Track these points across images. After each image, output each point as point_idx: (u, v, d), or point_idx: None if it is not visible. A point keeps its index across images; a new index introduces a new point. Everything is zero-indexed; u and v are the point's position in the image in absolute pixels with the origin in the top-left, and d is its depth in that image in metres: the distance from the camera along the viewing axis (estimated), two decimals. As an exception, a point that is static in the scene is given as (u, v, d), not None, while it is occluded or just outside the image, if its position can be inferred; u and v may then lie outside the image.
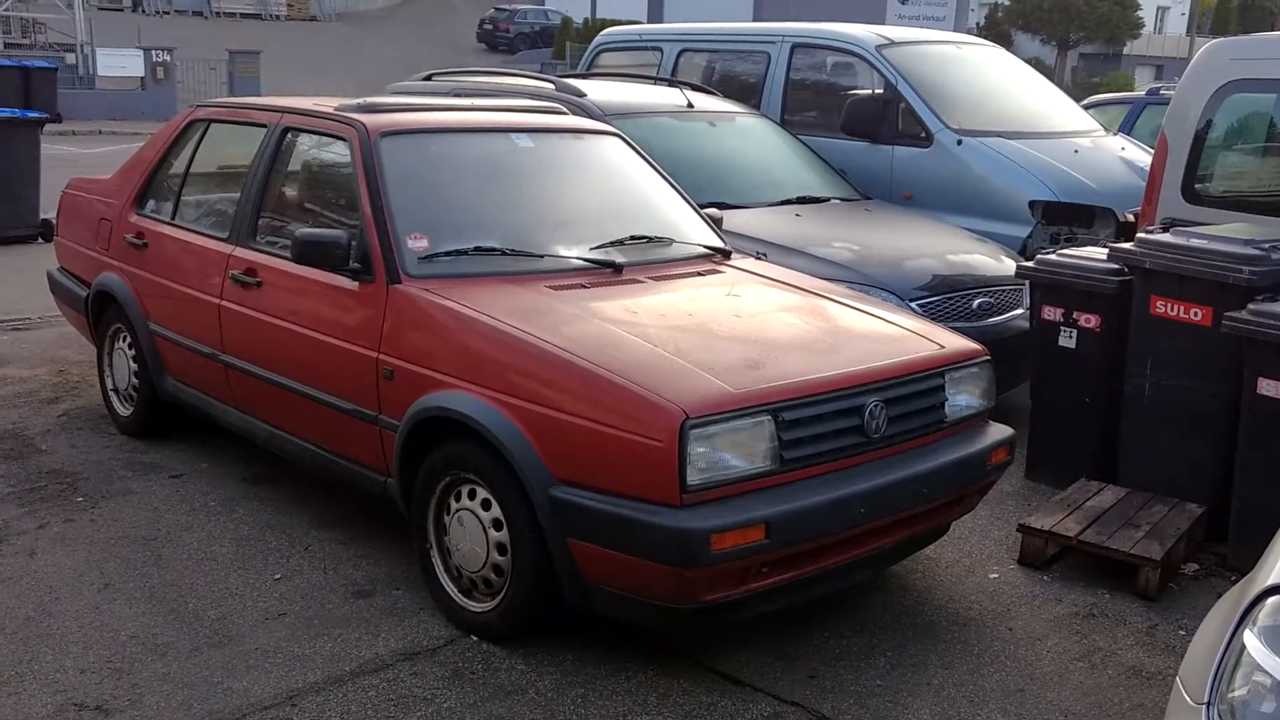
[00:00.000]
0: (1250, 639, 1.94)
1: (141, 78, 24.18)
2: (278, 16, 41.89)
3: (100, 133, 20.48)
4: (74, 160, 14.78)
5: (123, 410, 5.25)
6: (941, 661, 3.51)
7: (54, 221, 6.26)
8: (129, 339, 5.08)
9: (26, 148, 9.78)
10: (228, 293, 4.38)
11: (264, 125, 4.60)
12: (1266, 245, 4.32)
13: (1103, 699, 3.34)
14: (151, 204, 5.11)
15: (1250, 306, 4.11)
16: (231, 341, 4.38)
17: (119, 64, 24.07)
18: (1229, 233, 4.54)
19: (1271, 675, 1.87)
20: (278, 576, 3.90)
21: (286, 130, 4.49)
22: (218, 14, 40.24)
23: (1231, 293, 4.24)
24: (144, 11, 38.39)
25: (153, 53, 24.22)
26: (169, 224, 4.91)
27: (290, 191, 4.59)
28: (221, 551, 4.07)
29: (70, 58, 25.50)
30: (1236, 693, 1.92)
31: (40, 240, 9.70)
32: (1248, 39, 5.76)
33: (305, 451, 4.17)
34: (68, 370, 6.20)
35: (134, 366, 5.08)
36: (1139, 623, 3.82)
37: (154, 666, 3.32)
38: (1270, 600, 1.96)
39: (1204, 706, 1.95)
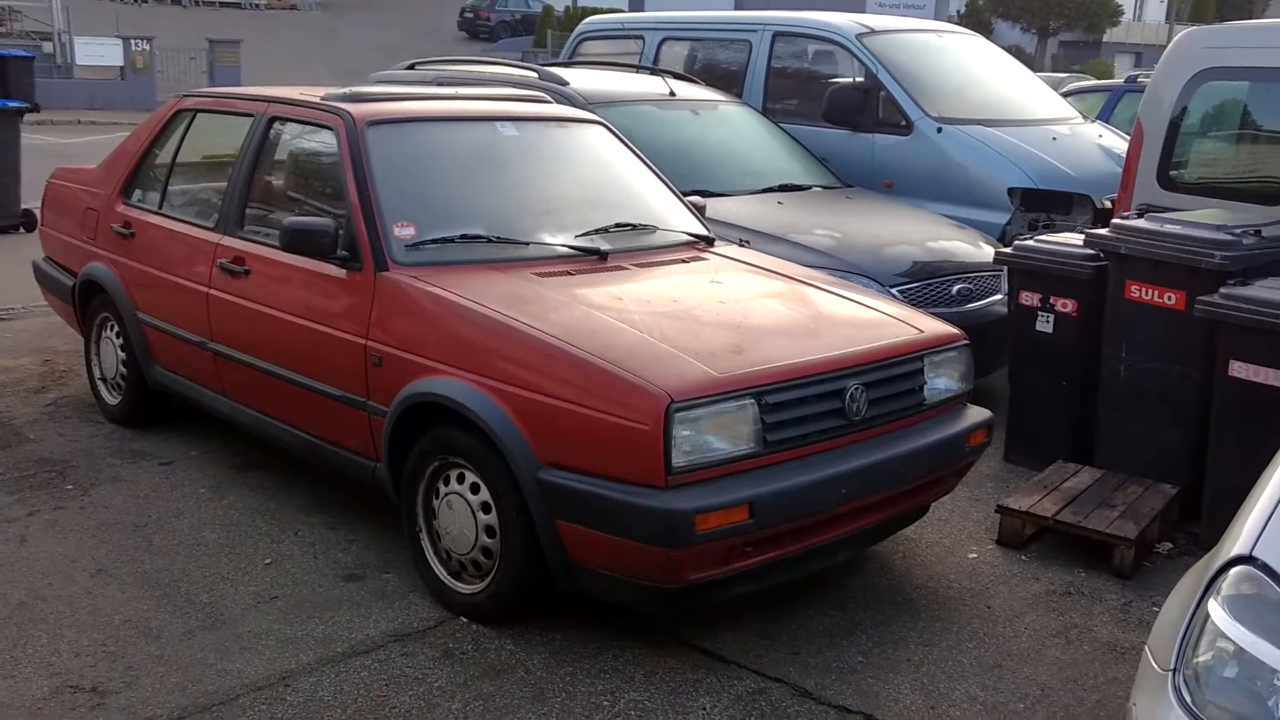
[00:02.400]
0: (1214, 608, 2.02)
1: (121, 67, 23.98)
2: (258, 5, 41.60)
3: (79, 122, 20.36)
4: (53, 150, 14.71)
5: (110, 399, 5.28)
6: (921, 639, 3.59)
7: (36, 212, 6.28)
8: (116, 328, 5.11)
9: (7, 138, 9.74)
10: (216, 281, 4.41)
11: (250, 115, 4.63)
12: (1238, 230, 4.41)
13: (1078, 673, 3.43)
14: (138, 194, 5.13)
15: (1222, 290, 4.19)
16: (220, 330, 4.42)
17: (97, 53, 23.84)
18: (1202, 218, 4.62)
19: (1234, 642, 1.95)
20: (268, 561, 3.95)
21: (273, 120, 4.53)
22: (197, 2, 39.93)
23: (1204, 277, 4.32)
24: (122, 0, 38.04)
25: (132, 42, 24.02)
26: (156, 213, 4.94)
27: (277, 181, 4.62)
28: (212, 537, 4.12)
29: (47, 46, 25.26)
30: (1201, 659, 1.99)
31: (22, 230, 9.67)
32: (1220, 28, 5.84)
33: (294, 438, 4.21)
34: (54, 360, 6.21)
35: (122, 355, 5.11)
36: (1114, 600, 3.91)
37: (148, 649, 3.37)
38: (1233, 570, 2.04)
39: (1171, 673, 2.02)
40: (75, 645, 3.38)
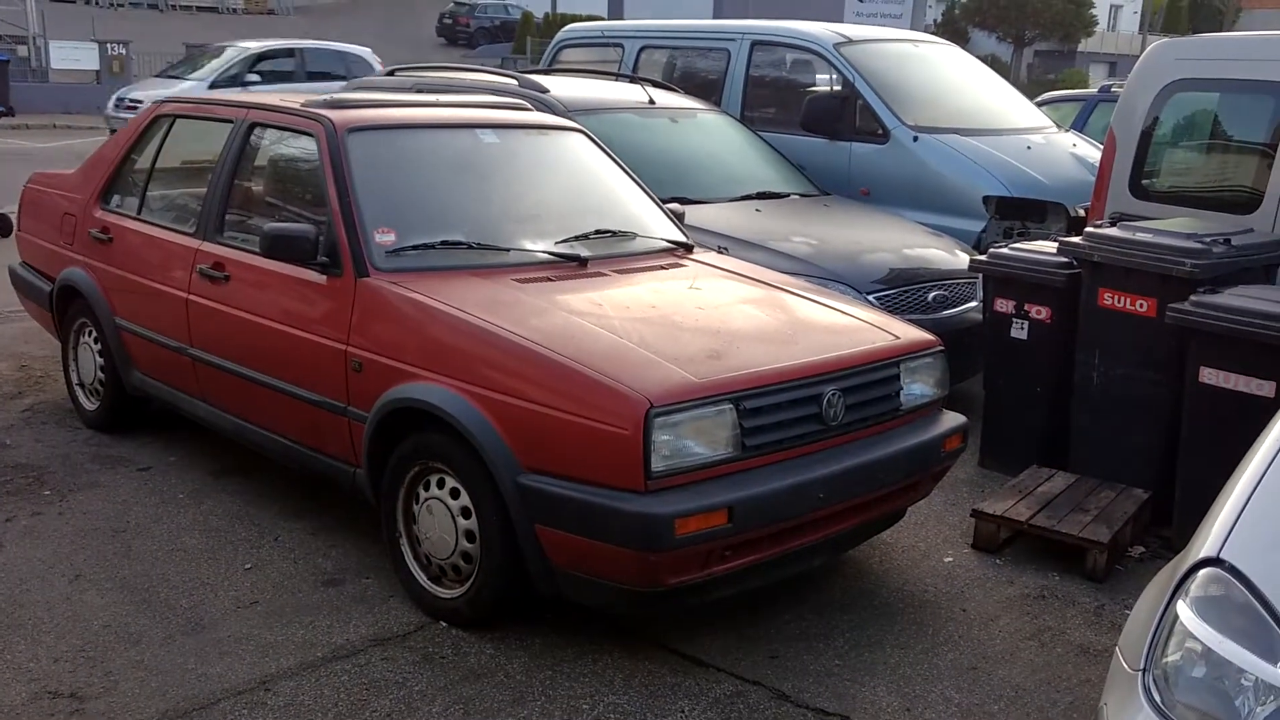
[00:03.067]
0: (1183, 609, 2.06)
1: (96, 71, 23.82)
2: (235, 10, 41.47)
3: (54, 126, 20.24)
4: (28, 154, 14.62)
5: (88, 404, 5.27)
6: (898, 642, 3.62)
7: (12, 217, 6.25)
8: (94, 333, 5.09)
9: (-18, 142, 9.66)
10: (195, 287, 4.41)
11: (230, 121, 4.63)
12: (1208, 239, 4.48)
13: (1052, 675, 3.48)
14: (117, 199, 5.12)
15: (1193, 298, 4.26)
16: (199, 335, 4.42)
17: (73, 57, 23.66)
18: (1173, 227, 4.69)
19: (1202, 642, 1.99)
20: (248, 566, 3.95)
21: (253, 126, 4.53)
22: (173, 7, 39.75)
23: (1175, 285, 4.38)
24: (97, 4, 37.84)
25: (108, 46, 23.87)
26: (135, 219, 4.93)
27: (257, 186, 4.62)
28: (191, 542, 4.12)
29: (22, 50, 25.08)
30: (1170, 659, 2.03)
31: (-2, 235, 9.60)
32: (1192, 40, 5.93)
33: (274, 444, 4.21)
34: (30, 365, 6.19)
35: (100, 361, 5.09)
36: (1087, 603, 3.96)
37: (127, 654, 3.36)
38: (1202, 572, 2.08)
39: (1140, 673, 2.06)
40: (54, 651, 3.37)
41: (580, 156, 4.79)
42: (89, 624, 3.53)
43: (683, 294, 4.03)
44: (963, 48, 8.84)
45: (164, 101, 5.30)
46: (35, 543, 4.08)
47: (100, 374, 5.12)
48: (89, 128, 18.63)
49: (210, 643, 3.44)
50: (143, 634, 3.48)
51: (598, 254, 4.18)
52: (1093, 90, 12.22)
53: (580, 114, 5.78)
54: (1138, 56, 6.06)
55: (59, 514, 4.32)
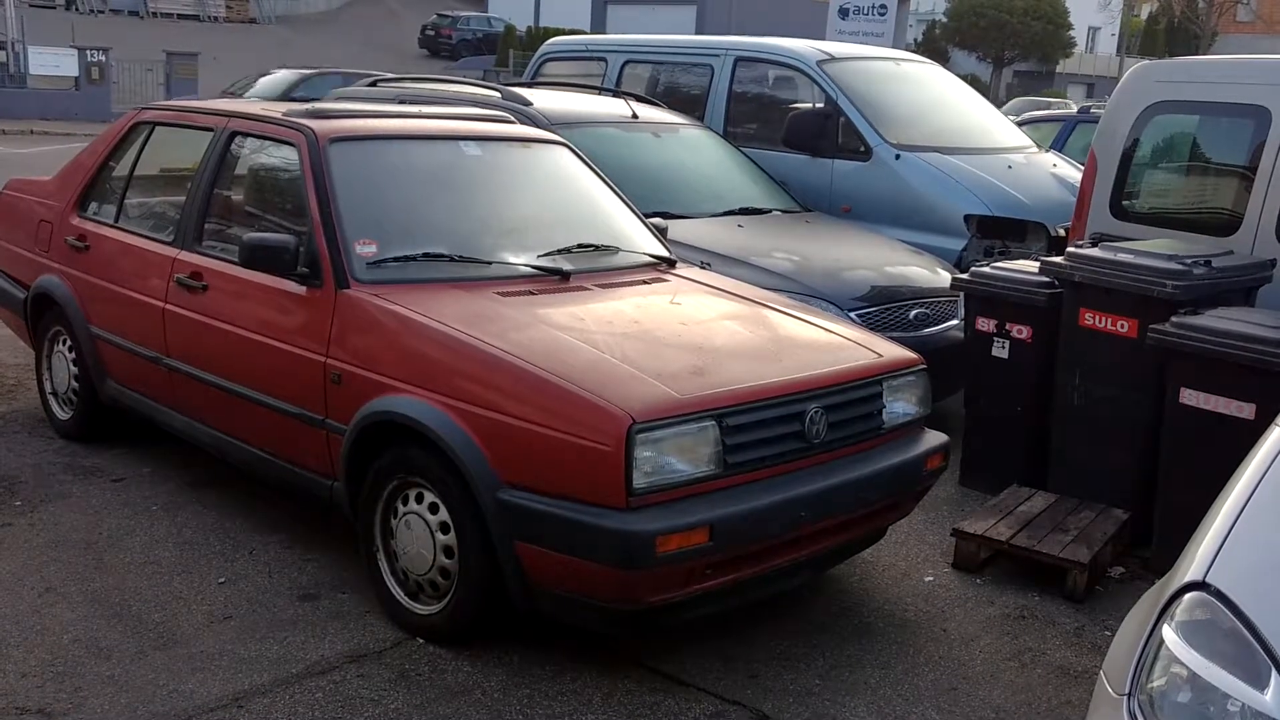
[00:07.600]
0: (1168, 633, 2.05)
1: (76, 77, 23.70)
2: (216, 18, 41.34)
3: (32, 133, 20.08)
4: (4, 160, 14.50)
5: (61, 414, 5.20)
6: (878, 661, 3.61)
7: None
8: (69, 342, 5.03)
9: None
10: (172, 296, 4.36)
11: (211, 129, 4.59)
12: (1189, 260, 4.50)
13: (1032, 697, 3.46)
14: (94, 206, 5.07)
15: (1173, 319, 4.27)
16: (176, 345, 4.36)
17: (52, 63, 23.55)
18: (1154, 248, 4.70)
19: (1187, 667, 1.98)
20: (222, 580, 3.89)
21: (234, 134, 4.50)
22: (154, 14, 39.59)
23: (1156, 306, 4.40)
24: (77, 10, 37.65)
25: (88, 52, 23.75)
26: (112, 226, 4.88)
27: (237, 196, 4.58)
28: (164, 555, 4.06)
29: (0, 55, 24.92)
30: (1155, 683, 2.02)
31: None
32: (1172, 63, 5.98)
33: (250, 456, 4.16)
34: (3, 373, 6.10)
35: (74, 370, 5.03)
36: (1067, 623, 3.95)
37: (97, 669, 3.31)
38: (1187, 596, 2.07)
39: (1125, 697, 2.05)
40: (22, 666, 3.31)
41: (563, 170, 4.77)
42: (58, 638, 3.47)
43: (665, 309, 4.01)
44: (943, 67, 8.88)
45: (144, 108, 5.25)
46: (4, 554, 4.01)
47: (74, 383, 5.06)
48: (67, 134, 18.52)
49: (183, 658, 3.39)
50: (113, 649, 3.42)
51: (580, 268, 4.16)
52: (1072, 110, 12.32)
53: (563, 127, 5.76)
54: (1115, 78, 6.11)
55: (29, 525, 4.25)
